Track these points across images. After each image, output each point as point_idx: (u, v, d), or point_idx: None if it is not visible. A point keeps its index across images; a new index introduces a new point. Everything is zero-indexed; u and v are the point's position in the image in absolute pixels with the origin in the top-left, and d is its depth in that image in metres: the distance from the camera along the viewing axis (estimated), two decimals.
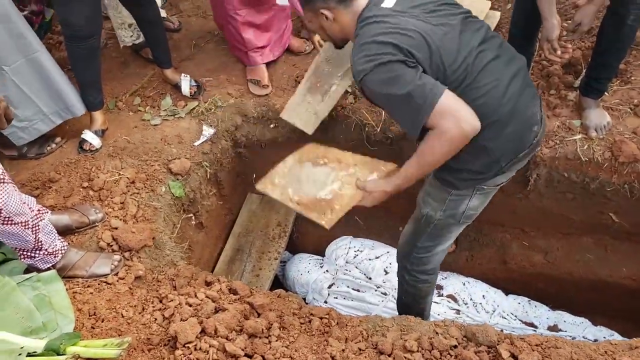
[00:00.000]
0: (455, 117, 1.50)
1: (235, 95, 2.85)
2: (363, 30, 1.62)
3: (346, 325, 1.96)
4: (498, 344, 1.79)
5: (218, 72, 2.97)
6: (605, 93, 2.39)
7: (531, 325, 2.82)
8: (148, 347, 1.84)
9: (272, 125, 2.82)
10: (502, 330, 2.80)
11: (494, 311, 2.84)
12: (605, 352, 1.72)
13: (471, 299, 2.87)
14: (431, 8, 1.67)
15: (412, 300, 2.28)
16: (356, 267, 2.95)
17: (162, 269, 2.16)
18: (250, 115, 2.81)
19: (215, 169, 2.78)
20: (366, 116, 2.67)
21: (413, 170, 1.68)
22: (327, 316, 1.98)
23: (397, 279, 2.32)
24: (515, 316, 2.84)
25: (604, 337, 2.72)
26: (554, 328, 2.81)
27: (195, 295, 1.97)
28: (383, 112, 2.65)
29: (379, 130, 2.65)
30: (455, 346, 1.83)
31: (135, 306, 1.98)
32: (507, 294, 2.90)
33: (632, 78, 2.47)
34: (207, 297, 1.97)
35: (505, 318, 2.84)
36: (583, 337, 2.73)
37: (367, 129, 2.67)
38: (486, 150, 1.68)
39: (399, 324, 1.96)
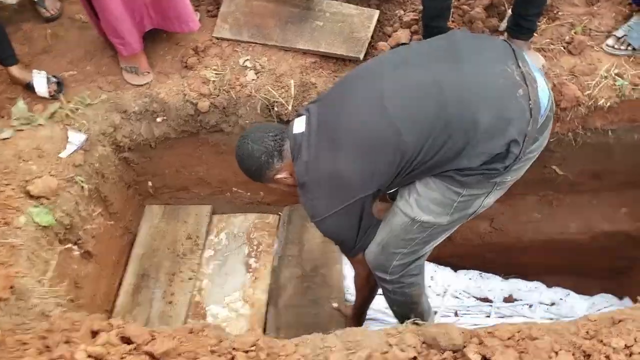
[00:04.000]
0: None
1: (109, 89, 2.32)
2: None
3: (279, 355, 1.56)
4: (465, 346, 1.46)
5: (83, 63, 2.41)
6: (534, 34, 2.12)
7: (486, 300, 2.58)
8: None
9: (159, 119, 2.31)
10: (456, 313, 2.56)
11: (445, 292, 2.56)
12: (587, 332, 1.43)
13: None
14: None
15: (406, 307, 1.93)
16: None
17: (28, 326, 1.63)
18: (131, 111, 2.29)
19: (96, 183, 2.24)
20: (272, 93, 2.24)
21: (360, 301, 2.07)
22: (253, 348, 1.57)
23: None
24: (468, 293, 2.59)
25: (561, 299, 2.55)
26: (509, 299, 2.59)
27: (72, 358, 1.47)
28: (292, 87, 2.24)
29: (290, 108, 2.23)
30: (415, 358, 1.48)
31: None
32: (455, 270, 2.64)
33: (560, 13, 2.22)
34: (89, 356, 1.47)
35: (458, 297, 2.57)
36: (540, 302, 2.54)
37: (275, 108, 2.25)
38: (488, 154, 1.44)
39: (343, 341, 1.58)
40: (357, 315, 2.14)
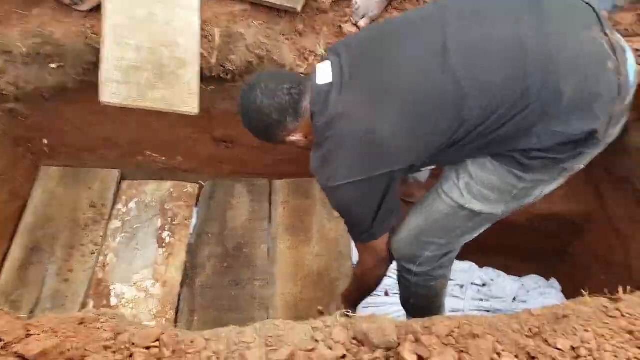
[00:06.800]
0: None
1: None
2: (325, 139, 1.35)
3: (187, 352, 1.33)
4: (399, 344, 1.30)
5: None
6: None
7: None
8: None
9: (53, 65, 1.93)
10: (386, 292, 2.43)
11: None
12: (531, 330, 1.32)
13: None
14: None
15: (425, 301, 1.74)
16: None
17: None
18: (17, 52, 1.89)
19: None
20: None
21: (357, 294, 1.88)
22: (156, 344, 1.33)
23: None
24: None
25: (492, 280, 2.50)
26: None
27: None
28: (217, 36, 1.92)
29: (214, 61, 1.92)
30: (344, 356, 1.31)
31: None
32: None
33: None
34: None
35: (389, 276, 2.40)
36: (471, 283, 2.47)
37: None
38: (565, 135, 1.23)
39: (263, 336, 1.37)
40: (349, 306, 1.89)
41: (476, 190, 1.38)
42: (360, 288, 1.82)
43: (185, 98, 1.71)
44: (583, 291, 1.46)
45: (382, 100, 1.27)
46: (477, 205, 1.40)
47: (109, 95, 1.64)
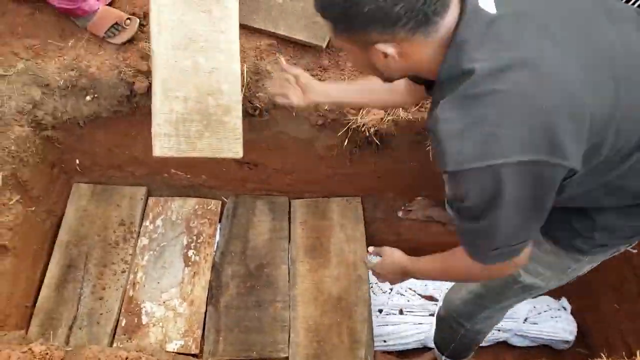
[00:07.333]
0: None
1: (26, 56, 1.96)
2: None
3: None
4: None
5: None
6: None
7: (430, 298, 2.56)
8: None
9: (88, 98, 2.00)
10: (401, 311, 2.52)
11: (391, 289, 2.53)
12: None
13: None
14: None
15: (467, 345, 1.84)
16: None
17: None
18: (54, 86, 1.96)
19: (13, 169, 1.95)
20: None
21: (436, 275, 1.40)
22: None
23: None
24: (414, 291, 2.56)
25: None
26: None
27: None
28: (245, 73, 1.98)
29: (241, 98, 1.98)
30: None
31: None
32: None
33: None
34: None
35: (403, 295, 2.55)
36: None
37: None
38: None
39: None
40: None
41: (531, 267, 1.36)
42: (443, 276, 1.40)
43: (230, 144, 1.76)
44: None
45: (594, 69, 0.93)
46: (529, 279, 1.41)
47: (160, 148, 1.71)
